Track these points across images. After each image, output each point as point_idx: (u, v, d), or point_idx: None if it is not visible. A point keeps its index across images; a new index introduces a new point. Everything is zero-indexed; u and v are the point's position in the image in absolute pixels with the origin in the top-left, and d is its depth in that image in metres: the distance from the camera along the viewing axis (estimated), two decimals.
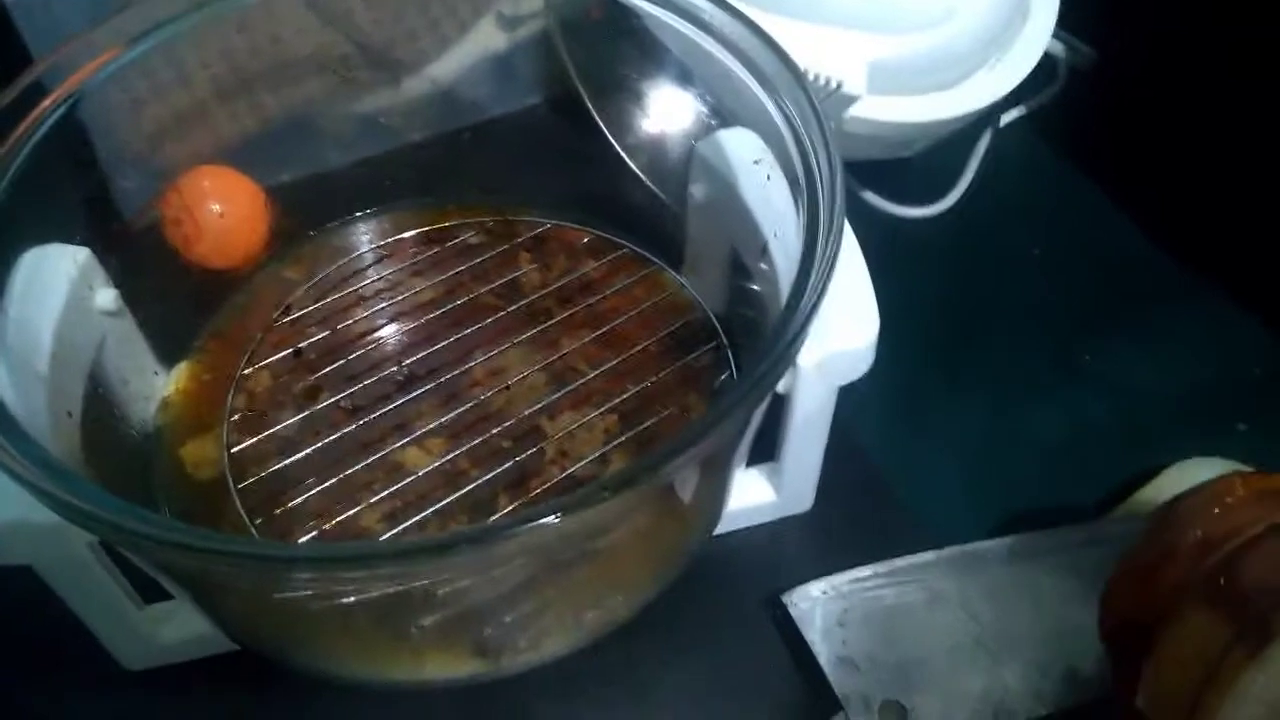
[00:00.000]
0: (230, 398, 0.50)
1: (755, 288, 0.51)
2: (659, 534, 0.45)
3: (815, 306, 0.37)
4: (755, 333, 0.52)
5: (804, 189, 0.42)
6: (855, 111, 0.57)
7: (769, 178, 0.47)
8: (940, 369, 0.62)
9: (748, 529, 0.56)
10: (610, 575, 0.45)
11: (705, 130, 0.51)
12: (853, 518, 0.56)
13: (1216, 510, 0.44)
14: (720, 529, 0.55)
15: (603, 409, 0.51)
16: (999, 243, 0.68)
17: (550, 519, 0.31)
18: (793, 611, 0.52)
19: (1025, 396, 0.61)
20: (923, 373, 0.62)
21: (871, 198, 0.68)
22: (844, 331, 0.47)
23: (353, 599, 0.38)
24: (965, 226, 0.68)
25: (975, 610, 0.52)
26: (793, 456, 0.52)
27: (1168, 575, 0.44)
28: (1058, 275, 0.66)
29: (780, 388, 0.49)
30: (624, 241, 0.57)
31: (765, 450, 0.53)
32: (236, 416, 0.49)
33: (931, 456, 0.59)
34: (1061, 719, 0.48)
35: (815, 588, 0.52)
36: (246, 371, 0.51)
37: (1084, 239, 0.68)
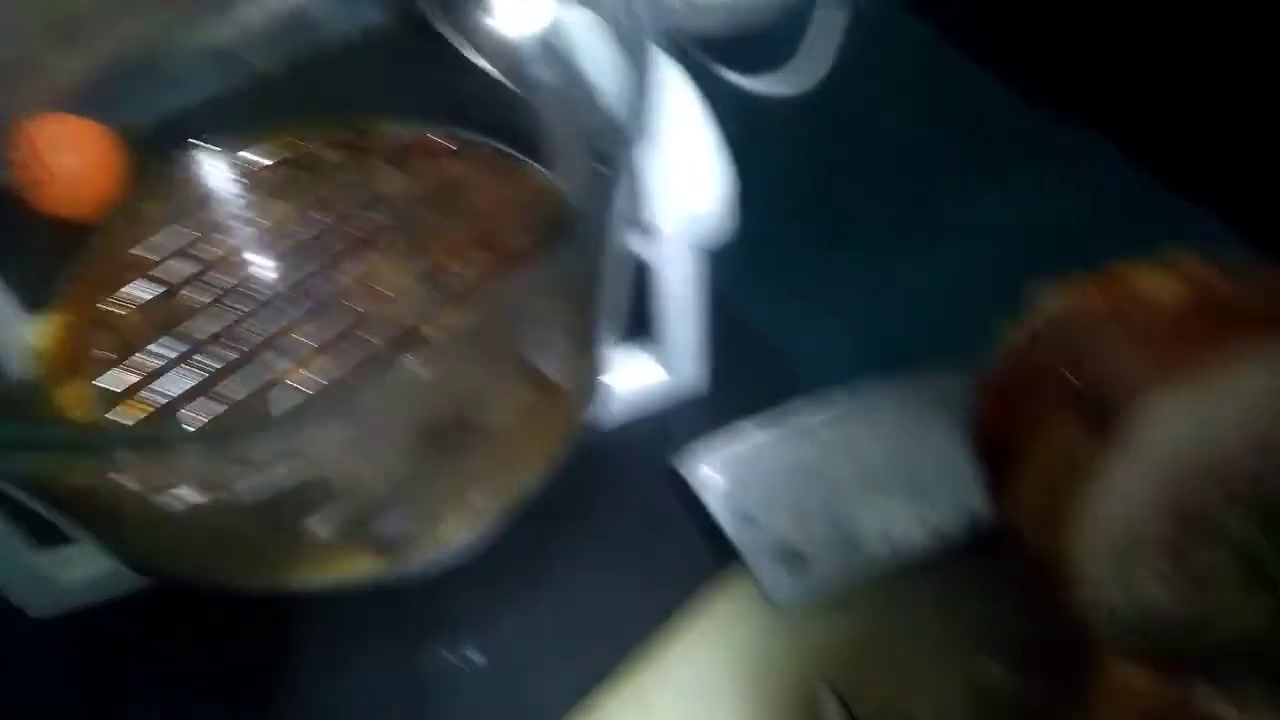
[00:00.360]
0: (98, 337, 0.49)
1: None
2: (536, 411, 0.46)
3: (638, 137, 0.37)
4: None
5: (633, 55, 0.43)
6: None
7: (607, 56, 0.48)
8: (816, 234, 0.64)
9: (646, 415, 0.57)
10: (496, 459, 0.46)
11: (545, 14, 0.51)
12: (746, 389, 0.57)
13: (1077, 320, 0.45)
14: (616, 415, 0.56)
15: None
16: (863, 107, 0.69)
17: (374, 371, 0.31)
18: (690, 481, 0.53)
19: (900, 251, 0.62)
20: (799, 239, 0.63)
21: (734, 76, 0.68)
22: (696, 193, 0.47)
23: (240, 498, 0.38)
24: (828, 94, 0.69)
25: (867, 456, 0.53)
26: (672, 329, 0.53)
27: (1031, 389, 0.45)
28: (921, 131, 0.68)
29: (642, 255, 0.50)
30: (487, 141, 0.57)
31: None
32: (106, 354, 0.49)
33: (815, 319, 0.60)
34: (956, 552, 0.50)
35: (711, 455, 0.54)
36: (112, 309, 0.50)
37: (943, 95, 0.69)
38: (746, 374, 0.58)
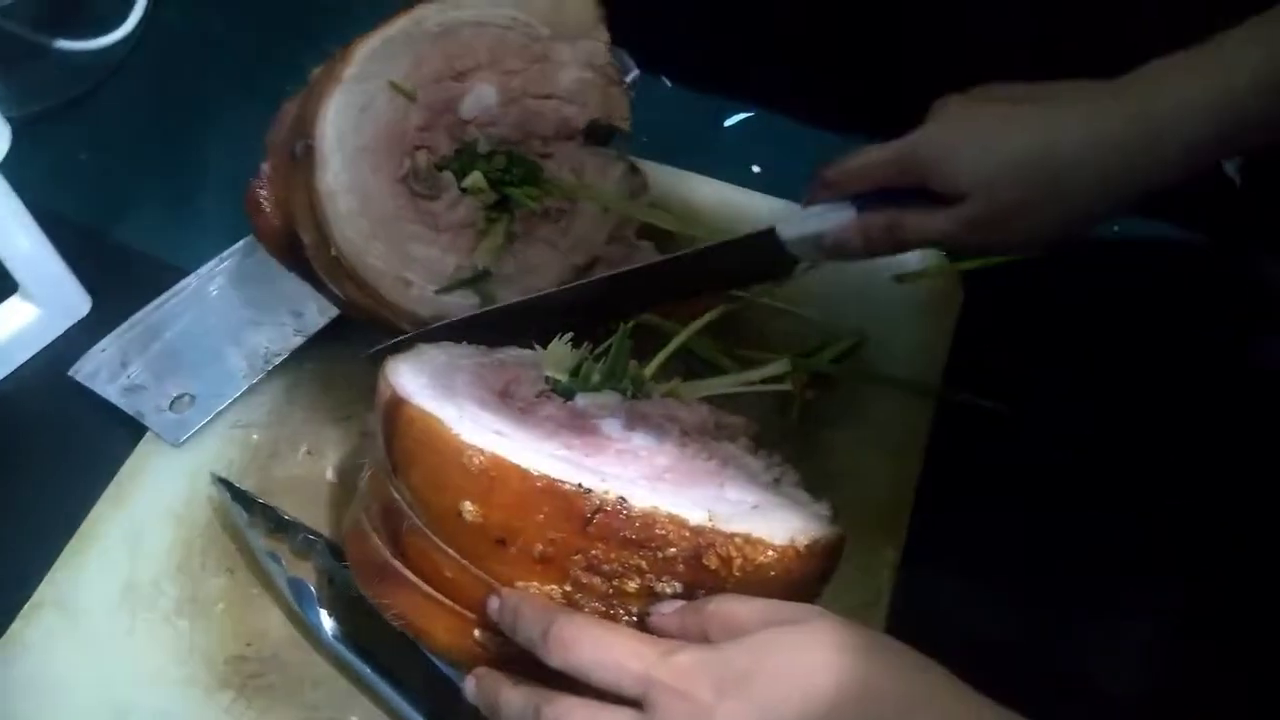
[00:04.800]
0: None
1: None
2: None
3: None
4: None
5: None
6: None
7: None
8: (160, 140, 0.70)
9: (43, 349, 0.61)
10: None
11: None
12: (126, 293, 0.62)
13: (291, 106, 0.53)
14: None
15: None
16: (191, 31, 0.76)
17: None
18: (82, 380, 0.58)
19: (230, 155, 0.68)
20: (153, 163, 0.69)
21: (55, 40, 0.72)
22: None
23: None
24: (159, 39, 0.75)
25: (231, 300, 0.60)
26: (20, 266, 0.57)
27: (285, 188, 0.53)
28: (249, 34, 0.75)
29: None
30: None
31: None
32: None
33: (171, 219, 0.66)
34: (322, 337, 0.58)
35: (95, 352, 0.58)
36: None
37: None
38: (125, 279, 0.62)
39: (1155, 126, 0.40)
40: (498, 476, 0.36)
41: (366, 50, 0.50)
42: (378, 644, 0.48)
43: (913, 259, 0.59)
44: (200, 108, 0.71)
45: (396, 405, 0.39)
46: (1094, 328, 0.59)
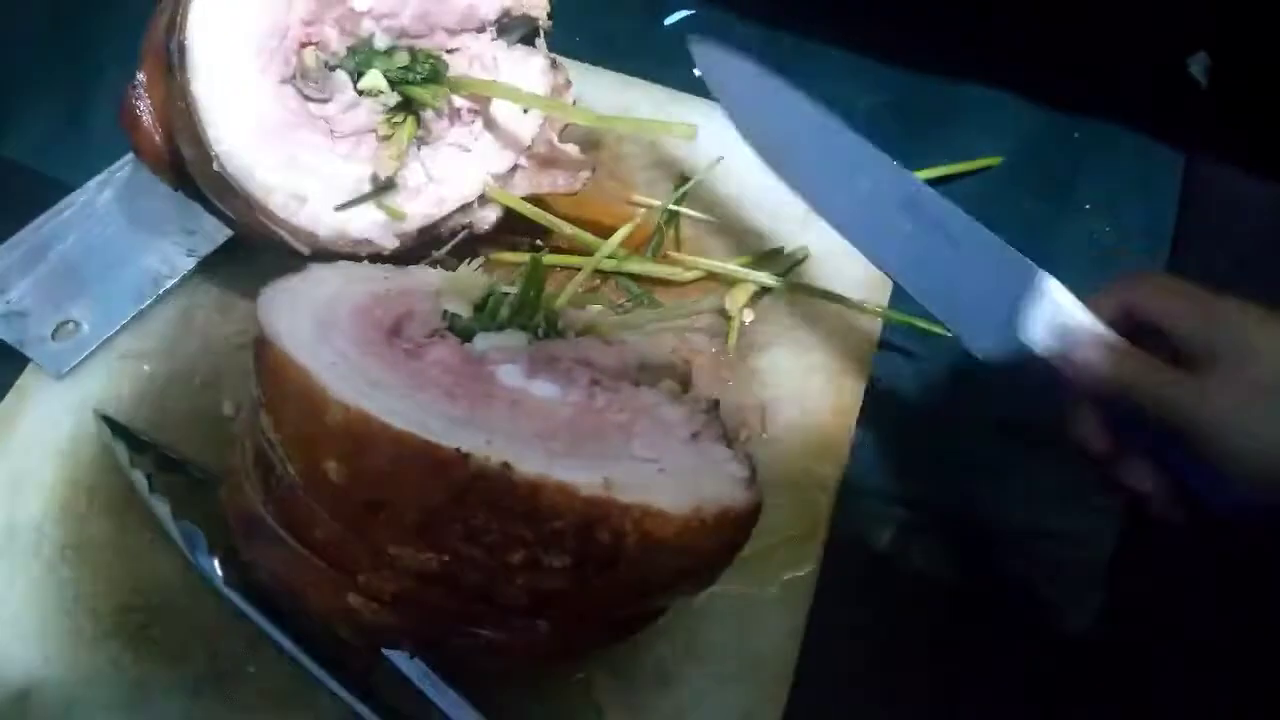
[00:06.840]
0: None
1: None
2: None
3: None
4: None
5: None
6: None
7: None
8: (44, 41, 0.64)
9: None
10: None
11: None
12: None
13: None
14: None
15: None
16: None
17: None
18: None
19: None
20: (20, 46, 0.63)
21: None
22: None
23: None
24: None
25: (121, 217, 0.55)
26: None
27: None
28: None
29: None
30: None
31: None
32: None
33: (54, 104, 0.61)
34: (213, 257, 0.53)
35: None
36: None
37: None
38: (2, 197, 0.57)
39: None
40: (364, 435, 0.32)
41: None
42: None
43: None
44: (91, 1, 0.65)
45: (263, 346, 0.34)
46: None
